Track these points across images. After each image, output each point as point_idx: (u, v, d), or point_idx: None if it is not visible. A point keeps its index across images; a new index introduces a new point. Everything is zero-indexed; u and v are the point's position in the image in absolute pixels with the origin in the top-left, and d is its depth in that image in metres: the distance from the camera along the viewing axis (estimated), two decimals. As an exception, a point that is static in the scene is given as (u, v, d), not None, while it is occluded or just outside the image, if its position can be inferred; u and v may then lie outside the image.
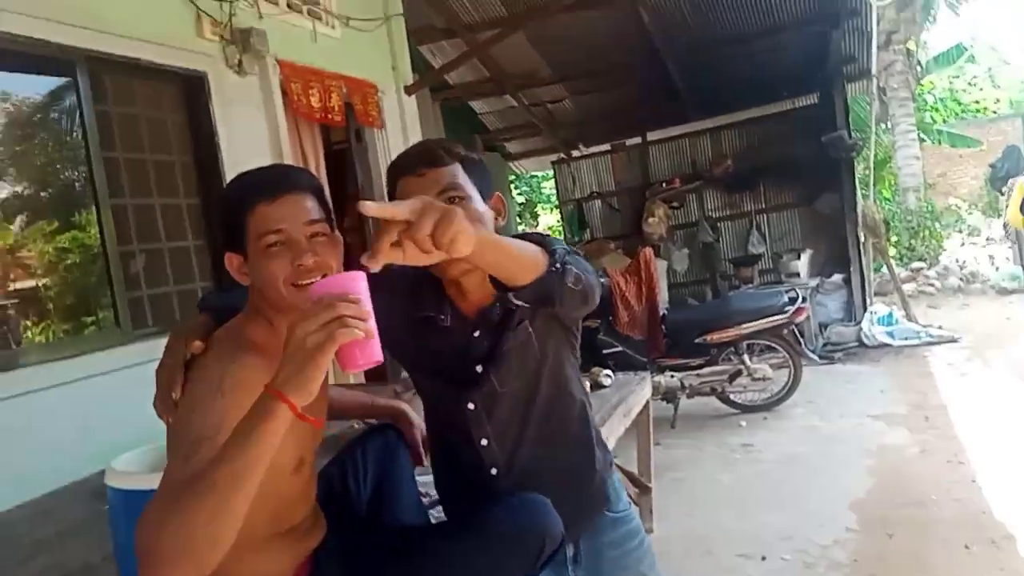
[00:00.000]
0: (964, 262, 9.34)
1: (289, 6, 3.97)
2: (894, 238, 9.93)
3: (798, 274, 6.64)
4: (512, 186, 11.96)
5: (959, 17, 12.77)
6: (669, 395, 4.65)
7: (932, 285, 8.82)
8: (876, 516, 3.08)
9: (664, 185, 7.50)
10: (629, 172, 7.95)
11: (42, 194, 4.02)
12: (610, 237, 7.73)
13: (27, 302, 4.64)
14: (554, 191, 9.81)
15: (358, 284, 0.88)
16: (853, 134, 6.86)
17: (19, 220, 4.83)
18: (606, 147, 8.12)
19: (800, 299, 4.68)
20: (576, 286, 1.14)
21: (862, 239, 6.70)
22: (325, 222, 1.14)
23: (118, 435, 1.76)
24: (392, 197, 1.22)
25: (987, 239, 10.78)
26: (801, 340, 5.58)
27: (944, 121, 14.31)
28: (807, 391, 4.87)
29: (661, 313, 4.90)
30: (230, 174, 3.43)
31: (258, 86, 3.71)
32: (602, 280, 4.66)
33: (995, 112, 16.12)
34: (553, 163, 8.74)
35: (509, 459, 1.33)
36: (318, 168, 4.15)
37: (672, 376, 4.72)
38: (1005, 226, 8.12)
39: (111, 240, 3.03)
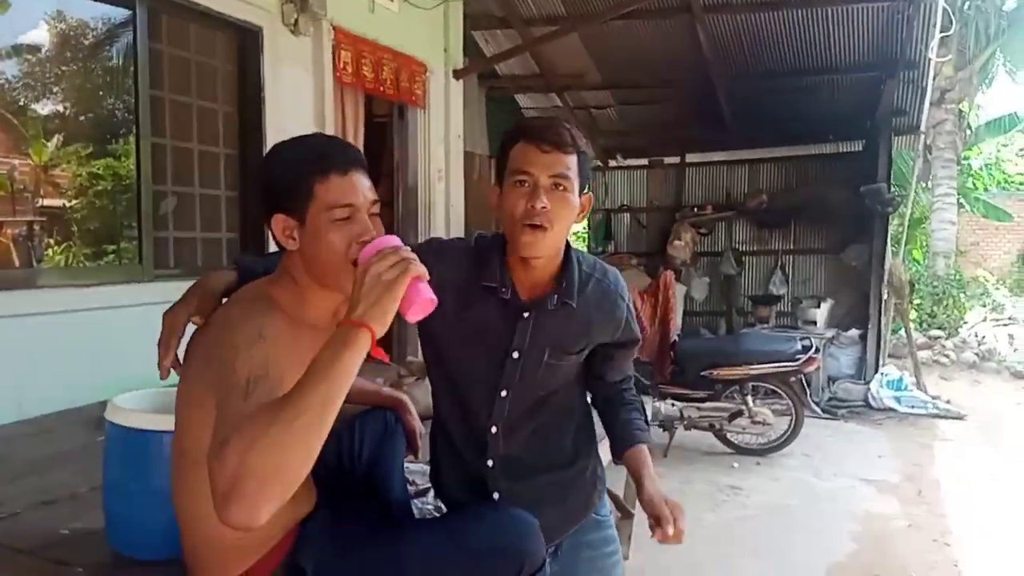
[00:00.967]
0: (983, 337, 9.18)
1: (354, -26, 3.98)
2: (917, 301, 9.75)
3: (815, 323, 6.57)
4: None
5: (1017, 85, 12.54)
6: (667, 423, 4.62)
7: (947, 356, 8.67)
8: (851, 584, 3.03)
9: (696, 210, 7.44)
10: (663, 191, 7.91)
11: (81, 118, 4.04)
12: (633, 253, 7.68)
13: (53, 220, 4.68)
14: (585, 198, 9.77)
15: (401, 242, 1.03)
16: (893, 188, 6.74)
17: (56, 139, 4.86)
18: (643, 162, 8.07)
19: (814, 349, 4.62)
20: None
21: (885, 297, 6.60)
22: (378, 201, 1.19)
23: (125, 371, 1.78)
24: (504, 153, 1.30)
25: (1009, 318, 10.60)
26: (807, 390, 5.51)
27: (985, 189, 14.05)
28: (805, 443, 4.81)
29: (672, 339, 4.86)
30: (271, 131, 3.44)
31: (311, 48, 3.71)
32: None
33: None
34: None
35: (507, 452, 1.36)
36: (356, 138, 4.16)
37: (673, 404, 4.68)
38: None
39: (146, 176, 3.04)
